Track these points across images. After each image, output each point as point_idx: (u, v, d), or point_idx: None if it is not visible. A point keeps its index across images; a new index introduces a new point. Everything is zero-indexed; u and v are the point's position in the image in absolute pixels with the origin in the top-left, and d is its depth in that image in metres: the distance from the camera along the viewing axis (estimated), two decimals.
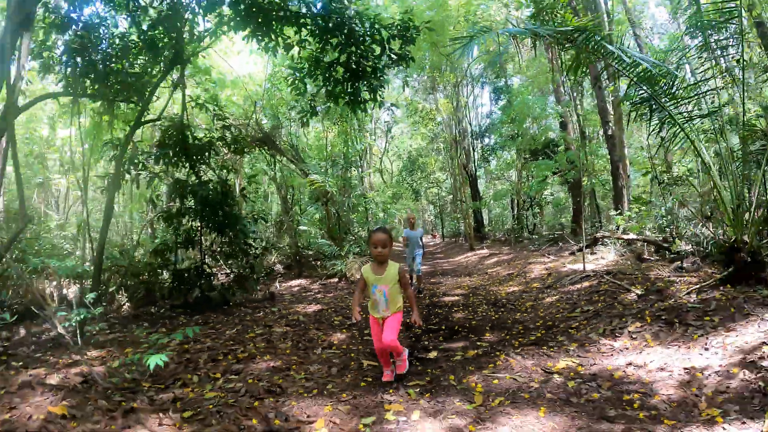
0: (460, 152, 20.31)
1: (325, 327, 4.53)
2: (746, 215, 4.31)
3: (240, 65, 14.66)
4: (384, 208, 16.31)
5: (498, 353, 3.34)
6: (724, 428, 2.01)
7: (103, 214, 4.71)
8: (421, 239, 7.04)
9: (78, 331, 3.42)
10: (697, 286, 4.31)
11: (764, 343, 2.80)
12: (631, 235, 7.48)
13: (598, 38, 3.59)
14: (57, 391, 2.70)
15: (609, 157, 11.03)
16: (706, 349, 2.88)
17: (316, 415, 2.37)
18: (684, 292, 4.24)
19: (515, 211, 18.91)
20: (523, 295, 5.72)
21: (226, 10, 5.72)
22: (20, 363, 3.17)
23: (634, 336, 3.32)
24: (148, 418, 2.37)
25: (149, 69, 6.46)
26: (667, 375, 2.61)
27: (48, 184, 14.74)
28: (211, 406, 2.50)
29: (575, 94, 14.18)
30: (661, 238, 6.68)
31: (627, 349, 3.13)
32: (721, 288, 4.15)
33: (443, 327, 4.39)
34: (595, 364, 2.93)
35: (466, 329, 4.26)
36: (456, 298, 6.18)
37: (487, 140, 23.55)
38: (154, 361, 2.39)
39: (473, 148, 22.36)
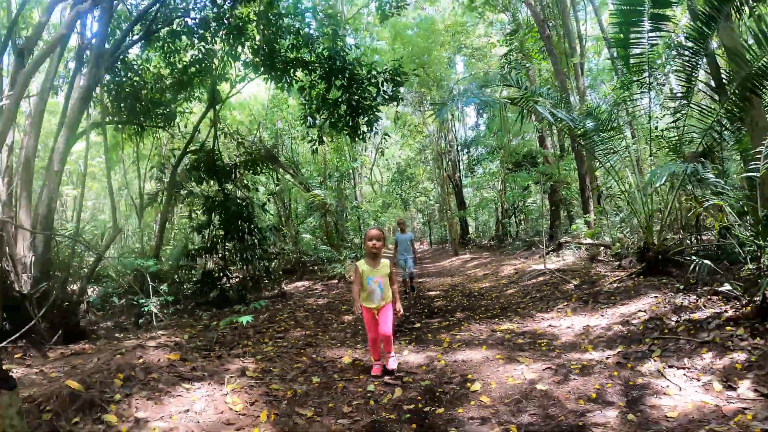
0: (447, 163, 21.83)
1: (335, 312, 5.87)
2: (654, 226, 5.76)
3: (246, 87, 15.98)
4: (375, 217, 17.64)
5: (463, 324, 4.72)
6: (591, 354, 3.39)
7: (159, 224, 6.01)
8: (411, 243, 7.38)
9: (156, 314, 4.73)
10: (619, 277, 5.74)
11: (640, 310, 4.21)
12: (587, 240, 8.95)
13: (532, 103, 5.04)
14: (163, 348, 4.00)
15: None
16: (602, 316, 4.28)
17: (342, 355, 3.72)
18: (608, 282, 5.66)
19: (499, 219, 20.37)
20: (491, 289, 7.13)
21: (251, 56, 7.09)
22: (127, 333, 4.46)
23: (559, 311, 4.72)
24: (233, 360, 3.69)
25: (181, 101, 7.80)
26: (570, 331, 4.00)
27: (59, 195, 15.86)
28: (271, 353, 3.82)
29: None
30: (608, 242, 8.14)
31: (552, 318, 4.53)
32: (635, 278, 5.57)
33: (425, 310, 5.77)
34: (526, 326, 4.32)
35: (442, 311, 5.64)
36: (438, 292, 7.57)
37: (473, 151, 25.11)
38: (245, 319, 3.72)
39: (459, 159, 23.91)
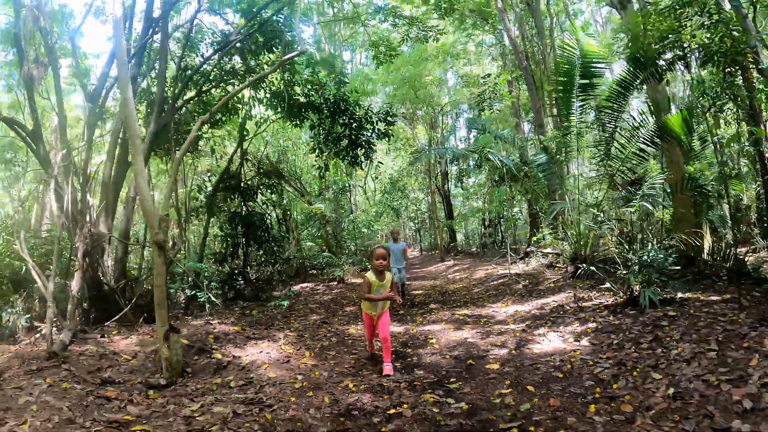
0: (436, 175, 23.75)
1: (340, 305, 7.71)
2: (582, 239, 7.65)
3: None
4: (368, 225, 19.45)
5: (434, 311, 6.59)
6: (509, 326, 5.24)
7: (202, 235, 7.81)
8: (404, 252, 7.97)
9: (214, 303, 6.53)
10: (556, 279, 7.63)
11: (553, 300, 6.07)
12: (547, 250, 10.86)
13: (488, 150, 6.93)
14: (224, 325, 5.79)
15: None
16: (529, 304, 6.15)
17: (348, 328, 5.57)
18: (547, 283, 7.55)
19: (485, 228, 22.29)
20: (462, 288, 9.01)
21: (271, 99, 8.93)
22: (188, 317, 6.26)
23: (503, 302, 6.60)
24: (275, 331, 5.50)
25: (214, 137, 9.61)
26: (504, 313, 5.87)
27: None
28: (300, 328, 5.65)
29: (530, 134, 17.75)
30: (559, 251, 10.04)
31: (496, 306, 6.40)
32: (569, 280, 7.46)
33: (409, 303, 7.63)
34: (476, 312, 6.19)
35: (421, 304, 7.51)
36: (420, 291, 9.44)
37: (462, 163, 27.06)
38: (284, 303, 5.55)
39: (449, 170, 25.84)
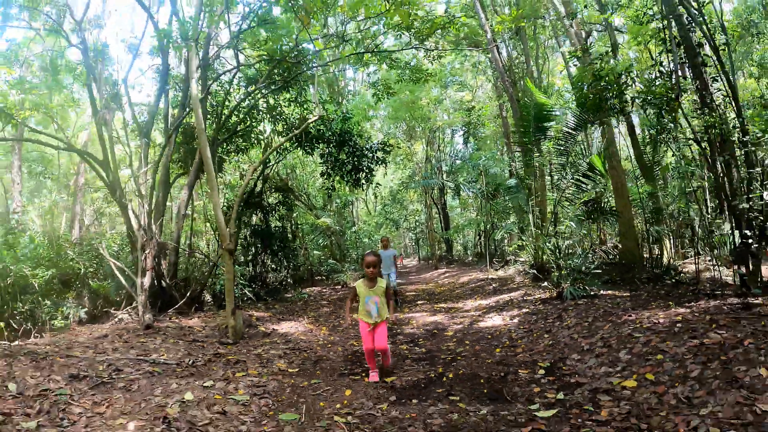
0: (434, 188, 25.72)
1: (344, 303, 9.64)
2: (539, 250, 9.59)
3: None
4: (369, 235, 21.35)
5: (419, 306, 8.53)
6: (471, 313, 7.17)
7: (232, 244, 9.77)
8: (394, 259, 8.77)
9: (250, 298, 8.49)
10: (520, 281, 9.56)
11: (509, 296, 8.00)
12: (522, 258, 12.79)
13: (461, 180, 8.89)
14: (256, 312, 7.72)
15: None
16: (491, 299, 8.09)
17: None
18: (512, 284, 9.47)
19: (479, 238, 24.24)
20: (447, 290, 10.95)
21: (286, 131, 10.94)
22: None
23: (473, 299, 8.55)
24: (296, 317, 7.43)
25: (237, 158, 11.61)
26: (471, 306, 7.82)
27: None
28: (315, 316, 7.60)
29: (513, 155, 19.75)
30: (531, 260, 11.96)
31: (467, 302, 8.35)
32: (529, 283, 9.40)
33: (402, 302, 9.56)
34: (451, 305, 8.13)
35: (411, 301, 9.44)
36: (413, 292, 11.39)
37: (458, 176, 29.13)
38: (305, 295, 7.51)
39: (444, 184, 27.84)
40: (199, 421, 2.79)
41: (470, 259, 24.65)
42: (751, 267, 5.46)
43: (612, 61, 7.67)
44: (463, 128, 17.59)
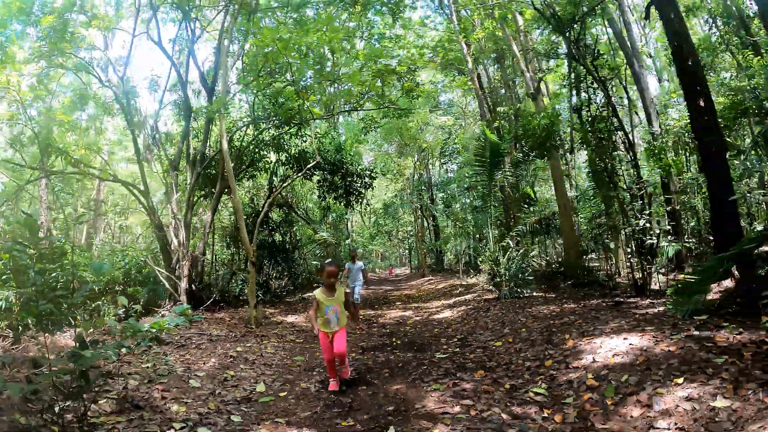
0: (424, 201, 28.10)
1: None
2: (498, 259, 11.97)
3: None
4: (363, 245, 23.76)
5: (396, 306, 10.90)
6: (432, 309, 9.53)
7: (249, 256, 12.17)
8: (363, 272, 9.65)
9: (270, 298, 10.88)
10: (482, 287, 11.93)
11: (467, 296, 10.38)
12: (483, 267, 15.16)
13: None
14: (268, 309, 10.07)
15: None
16: (452, 300, 10.46)
17: None
18: (475, 289, 11.84)
19: (468, 247, 26.58)
20: (424, 293, 13.32)
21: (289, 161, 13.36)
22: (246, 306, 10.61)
23: (439, 299, 10.93)
24: (299, 313, 9.78)
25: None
26: (438, 305, 10.19)
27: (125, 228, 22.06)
28: None
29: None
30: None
31: (435, 301, 10.72)
32: (490, 287, 11.77)
33: (384, 302, 11.92)
34: (421, 304, 10.51)
35: (392, 304, 11.79)
36: (396, 295, 13.75)
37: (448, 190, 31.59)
38: (304, 299, 9.89)
39: (435, 196, 30.21)
40: (249, 358, 5.17)
41: (460, 267, 26.96)
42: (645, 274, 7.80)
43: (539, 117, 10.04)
44: (443, 152, 20.00)
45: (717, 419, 2.48)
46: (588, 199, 10.86)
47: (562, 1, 9.50)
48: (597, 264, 11.52)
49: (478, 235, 24.85)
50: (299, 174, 10.88)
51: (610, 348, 3.98)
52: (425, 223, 27.63)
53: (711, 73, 11.91)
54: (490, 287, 10.25)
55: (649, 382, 3.08)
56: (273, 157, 13.37)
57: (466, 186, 16.75)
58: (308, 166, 10.40)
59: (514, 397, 3.50)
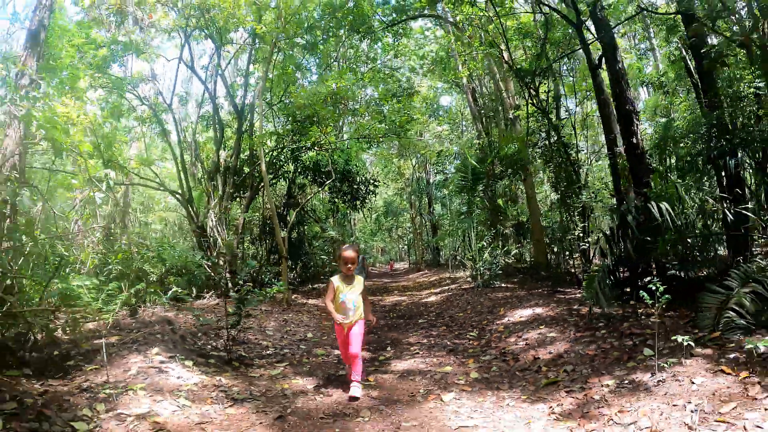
0: (423, 200, 30.92)
1: None
2: (475, 258, 14.81)
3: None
4: (365, 241, 26.54)
5: (392, 294, 13.77)
6: (421, 297, 12.39)
7: (278, 252, 15.00)
8: (363, 264, 11.92)
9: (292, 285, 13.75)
10: (465, 279, 14.80)
11: (452, 287, 13.24)
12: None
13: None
14: (296, 293, 12.93)
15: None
16: (439, 290, 13.31)
17: None
18: (460, 281, 14.70)
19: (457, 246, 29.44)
20: (416, 285, 16.19)
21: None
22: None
23: (428, 290, 13.79)
24: (317, 298, 12.64)
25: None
26: (427, 295, 13.05)
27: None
28: None
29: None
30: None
31: (423, 291, 13.59)
32: (469, 279, 14.64)
33: (383, 292, 14.77)
34: (413, 293, 13.36)
35: (390, 292, 14.65)
36: (394, 286, 16.61)
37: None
38: (316, 288, 12.78)
39: (433, 195, 33.04)
40: (295, 322, 8.03)
41: (457, 263, 29.86)
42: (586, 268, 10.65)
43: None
44: (437, 163, 22.84)
45: (546, 340, 5.32)
46: (549, 212, 13.68)
47: (533, 51, 12.29)
48: (558, 262, 14.35)
49: (463, 237, 27.82)
50: (320, 188, 13.64)
51: (520, 315, 6.83)
52: (423, 221, 30.45)
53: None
54: (469, 279, 13.09)
55: (527, 329, 5.93)
56: (291, 167, 16.17)
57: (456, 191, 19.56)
58: (327, 181, 13.12)
59: (458, 336, 6.35)
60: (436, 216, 32.34)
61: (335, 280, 4.21)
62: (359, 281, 4.25)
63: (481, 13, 11.45)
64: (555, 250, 14.88)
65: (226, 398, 3.92)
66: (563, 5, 9.99)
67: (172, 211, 24.14)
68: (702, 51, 6.90)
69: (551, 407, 3.41)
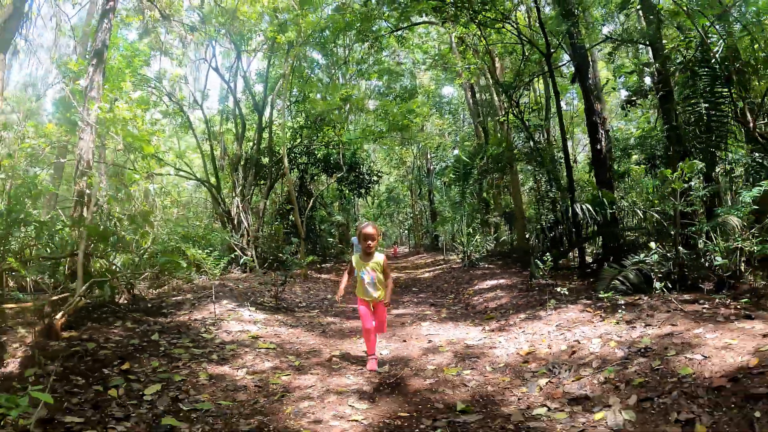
0: (423, 188, 33.28)
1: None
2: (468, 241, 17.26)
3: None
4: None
5: (394, 272, 16.28)
6: (417, 273, 14.87)
7: (283, 233, 17.48)
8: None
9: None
10: (455, 260, 17.29)
11: (444, 266, 15.74)
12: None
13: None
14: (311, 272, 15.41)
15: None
16: (432, 268, 15.79)
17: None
18: (452, 262, 17.18)
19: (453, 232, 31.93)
20: (411, 265, 18.67)
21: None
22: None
23: (423, 269, 16.27)
24: (327, 274, 15.11)
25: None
26: (420, 271, 15.53)
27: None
28: (336, 274, 15.35)
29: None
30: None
31: (419, 270, 16.08)
32: (458, 260, 17.12)
33: None
34: (409, 272, 15.85)
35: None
36: (394, 266, 19.12)
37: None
38: (311, 259, 15.28)
39: (433, 182, 35.38)
40: (315, 288, 10.52)
41: (449, 247, 32.38)
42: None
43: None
44: (435, 156, 25.17)
45: (497, 298, 7.77)
46: (529, 204, 16.11)
47: (514, 67, 14.55)
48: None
49: (457, 224, 30.29)
50: (330, 178, 16.04)
51: (488, 284, 9.29)
52: (422, 208, 32.87)
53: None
54: (458, 261, 15.55)
55: (488, 292, 8.38)
56: (304, 159, 18.55)
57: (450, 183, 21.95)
58: (336, 172, 15.52)
59: (439, 298, 8.84)
60: (435, 203, 34.69)
61: (355, 258, 4.35)
62: (379, 257, 4.26)
63: (473, 33, 13.64)
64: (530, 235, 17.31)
65: (285, 324, 6.40)
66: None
67: (186, 196, 26.67)
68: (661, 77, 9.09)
69: (484, 328, 5.87)
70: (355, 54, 20.39)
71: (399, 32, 17.56)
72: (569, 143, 18.60)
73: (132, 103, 8.41)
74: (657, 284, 5.55)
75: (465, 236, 15.66)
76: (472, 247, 14.84)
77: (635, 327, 4.49)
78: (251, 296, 8.28)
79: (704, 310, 4.60)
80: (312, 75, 17.30)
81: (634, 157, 13.23)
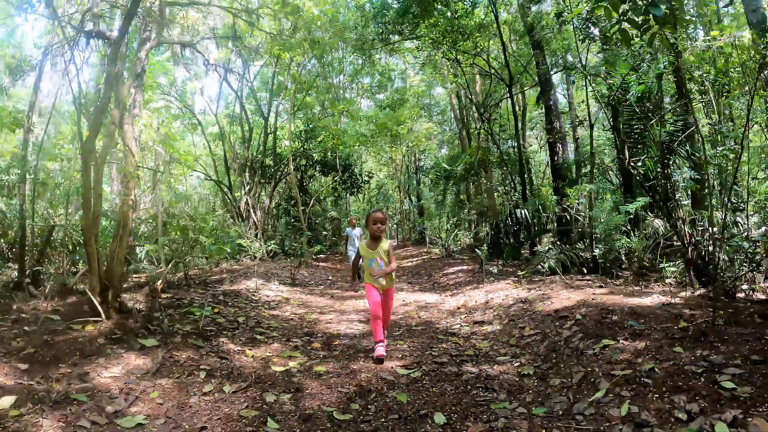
0: (411, 186, 36.25)
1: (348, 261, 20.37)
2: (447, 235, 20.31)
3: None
4: (357, 219, 31.85)
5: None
6: (404, 263, 17.88)
7: (304, 228, 20.37)
8: (361, 237, 11.97)
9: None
10: (437, 252, 20.35)
11: (422, 258, 18.79)
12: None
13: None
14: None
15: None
16: (416, 259, 18.83)
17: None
18: (433, 253, 20.22)
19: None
20: (402, 257, 21.71)
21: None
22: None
23: (408, 259, 19.30)
24: (325, 263, 18.07)
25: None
26: (406, 261, 18.56)
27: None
28: (335, 262, 18.31)
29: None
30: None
31: (405, 260, 19.11)
32: (439, 252, 20.19)
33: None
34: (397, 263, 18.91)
35: None
36: None
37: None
38: (319, 248, 18.27)
39: (420, 178, 38.36)
40: (318, 272, 13.50)
41: (428, 240, 35.44)
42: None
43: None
44: (420, 156, 28.18)
45: (456, 278, 10.80)
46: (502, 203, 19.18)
47: (484, 88, 17.58)
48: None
49: (439, 220, 33.34)
50: (326, 178, 18.97)
51: (454, 270, 12.32)
52: (410, 204, 35.85)
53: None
54: (438, 253, 18.58)
55: (451, 275, 11.41)
56: (303, 161, 21.44)
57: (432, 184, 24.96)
58: (332, 173, 18.45)
59: (416, 279, 11.87)
60: (422, 200, 37.61)
61: (362, 246, 4.64)
62: (384, 244, 4.52)
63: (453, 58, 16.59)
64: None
65: (303, 293, 9.39)
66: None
67: (191, 190, 29.43)
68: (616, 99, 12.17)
69: (441, 294, 8.91)
70: (349, 60, 23.28)
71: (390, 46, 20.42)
72: (544, 153, 21.64)
73: (155, 114, 11.33)
74: (559, 269, 8.60)
75: (444, 231, 18.68)
76: (450, 241, 17.86)
77: (530, 291, 7.51)
78: (272, 276, 11.22)
79: (577, 283, 7.62)
80: (313, 87, 20.15)
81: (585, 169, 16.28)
